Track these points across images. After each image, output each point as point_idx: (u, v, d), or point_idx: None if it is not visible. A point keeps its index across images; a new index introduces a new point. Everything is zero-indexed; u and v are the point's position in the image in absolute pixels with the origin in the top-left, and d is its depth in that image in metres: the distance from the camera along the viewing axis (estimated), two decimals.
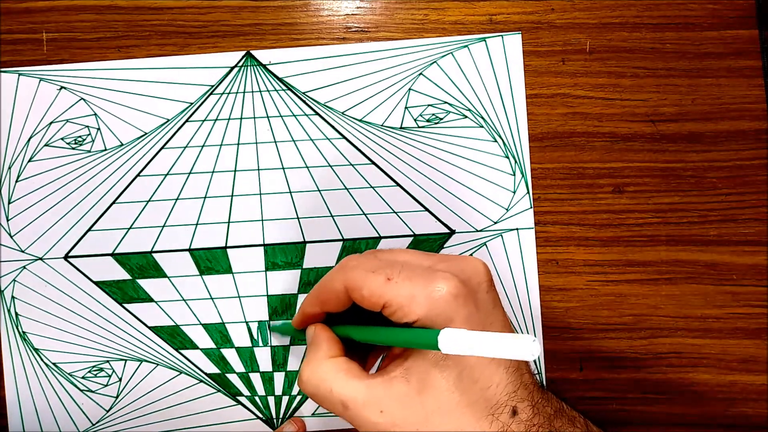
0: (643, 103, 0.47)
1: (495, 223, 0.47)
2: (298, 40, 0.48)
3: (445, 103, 0.48)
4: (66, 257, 0.47)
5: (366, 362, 0.39)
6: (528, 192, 0.47)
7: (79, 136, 0.47)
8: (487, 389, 0.31)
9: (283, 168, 0.47)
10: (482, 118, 0.47)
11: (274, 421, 0.47)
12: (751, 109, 0.47)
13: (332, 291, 0.33)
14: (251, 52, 0.48)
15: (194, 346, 0.47)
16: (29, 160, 0.47)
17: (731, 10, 0.48)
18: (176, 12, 0.48)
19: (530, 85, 0.48)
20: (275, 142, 0.47)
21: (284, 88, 0.48)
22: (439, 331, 0.26)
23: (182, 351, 0.47)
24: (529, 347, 0.24)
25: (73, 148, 0.47)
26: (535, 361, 0.46)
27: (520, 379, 0.32)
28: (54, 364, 0.47)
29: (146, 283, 0.47)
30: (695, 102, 0.47)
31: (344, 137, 0.47)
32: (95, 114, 0.47)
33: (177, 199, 0.47)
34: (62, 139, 0.47)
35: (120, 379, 0.47)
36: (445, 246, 0.47)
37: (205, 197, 0.47)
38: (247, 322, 0.47)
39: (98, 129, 0.47)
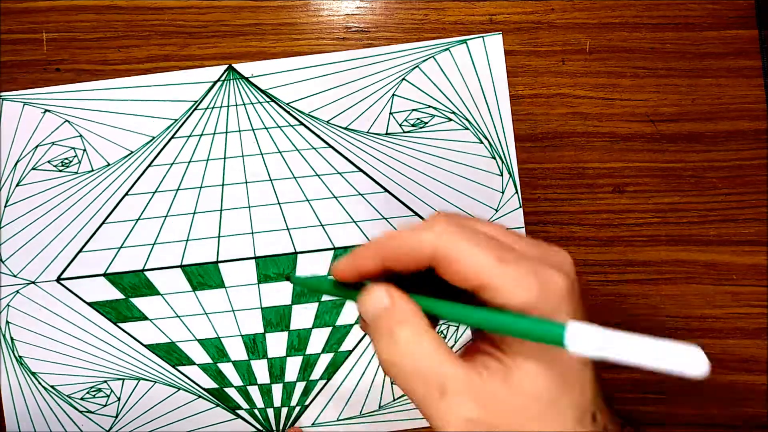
0: (643, 103, 0.46)
1: None
2: (298, 40, 0.47)
3: (430, 107, 0.46)
4: (58, 280, 0.47)
5: None
6: (516, 192, 0.46)
7: (66, 158, 0.47)
8: (580, 394, 0.28)
9: (271, 180, 0.47)
10: (467, 119, 0.46)
11: None
12: (751, 109, 0.46)
13: (414, 251, 0.27)
14: (233, 65, 0.47)
15: (191, 362, 0.48)
16: (17, 185, 0.47)
17: (731, 10, 0.46)
18: (176, 12, 0.48)
19: (530, 85, 0.47)
20: (261, 154, 0.47)
21: (268, 99, 0.47)
22: (564, 325, 0.22)
23: (179, 367, 0.48)
24: (698, 360, 0.20)
25: (61, 171, 0.47)
26: None
27: (599, 387, 0.29)
28: (52, 386, 0.48)
29: (140, 302, 0.47)
30: (695, 102, 0.46)
31: (330, 146, 0.47)
32: (80, 135, 0.47)
33: (166, 216, 0.47)
34: (49, 161, 0.47)
35: (119, 399, 0.48)
36: None
37: (194, 213, 0.47)
38: (242, 335, 0.47)
39: (84, 150, 0.47)
